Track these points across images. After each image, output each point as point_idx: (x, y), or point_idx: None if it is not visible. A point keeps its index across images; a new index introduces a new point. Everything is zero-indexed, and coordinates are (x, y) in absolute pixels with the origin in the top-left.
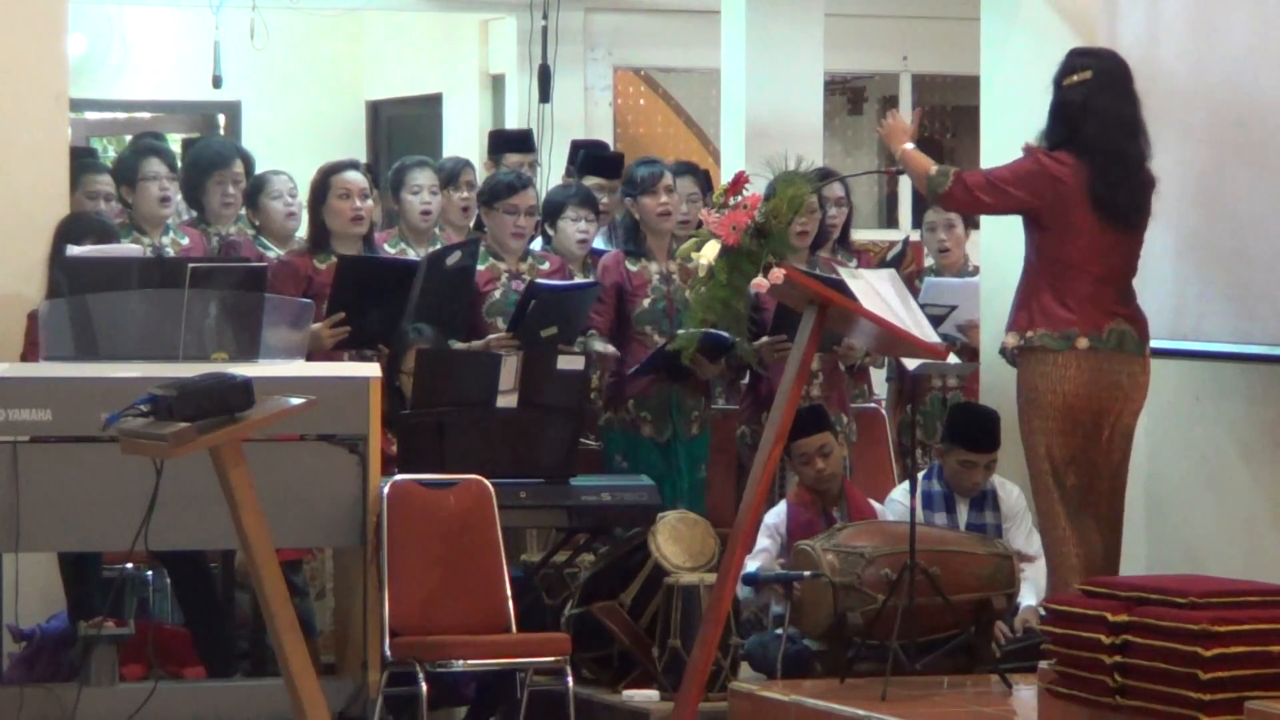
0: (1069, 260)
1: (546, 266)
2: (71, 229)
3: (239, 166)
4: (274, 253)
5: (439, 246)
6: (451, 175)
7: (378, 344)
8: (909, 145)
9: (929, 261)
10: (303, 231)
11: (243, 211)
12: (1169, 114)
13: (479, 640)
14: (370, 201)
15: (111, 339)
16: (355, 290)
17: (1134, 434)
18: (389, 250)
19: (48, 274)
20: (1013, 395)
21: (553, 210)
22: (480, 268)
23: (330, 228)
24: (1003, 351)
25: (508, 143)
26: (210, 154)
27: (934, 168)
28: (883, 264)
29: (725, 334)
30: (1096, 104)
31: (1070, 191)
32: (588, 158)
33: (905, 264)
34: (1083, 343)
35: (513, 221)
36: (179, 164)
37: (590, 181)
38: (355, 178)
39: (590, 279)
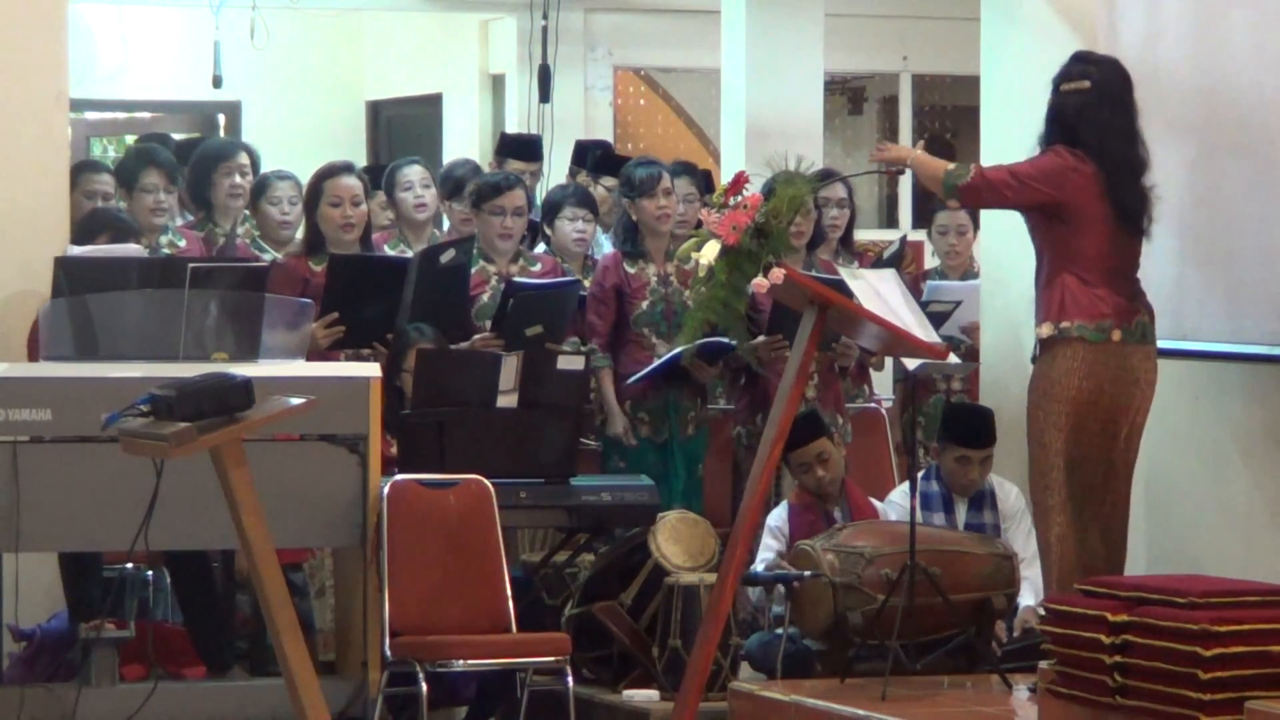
0: (1089, 253)
1: (538, 268)
2: (89, 224)
3: (244, 158)
4: (270, 255)
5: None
6: (457, 187)
7: (373, 343)
8: (917, 152)
9: (933, 263)
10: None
11: (246, 211)
12: (1169, 114)
13: (479, 640)
14: (363, 207)
15: (111, 339)
16: (349, 289)
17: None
18: (388, 250)
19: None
20: (1013, 394)
21: (550, 210)
22: (471, 270)
23: (323, 232)
24: (1038, 341)
25: (512, 149)
26: (215, 147)
27: (950, 164)
28: (878, 263)
29: (725, 340)
30: (1093, 116)
31: (1093, 188)
32: (603, 158)
33: (905, 265)
34: (1116, 335)
35: (499, 223)
36: (180, 171)
37: (607, 182)
38: (349, 184)
39: (575, 278)
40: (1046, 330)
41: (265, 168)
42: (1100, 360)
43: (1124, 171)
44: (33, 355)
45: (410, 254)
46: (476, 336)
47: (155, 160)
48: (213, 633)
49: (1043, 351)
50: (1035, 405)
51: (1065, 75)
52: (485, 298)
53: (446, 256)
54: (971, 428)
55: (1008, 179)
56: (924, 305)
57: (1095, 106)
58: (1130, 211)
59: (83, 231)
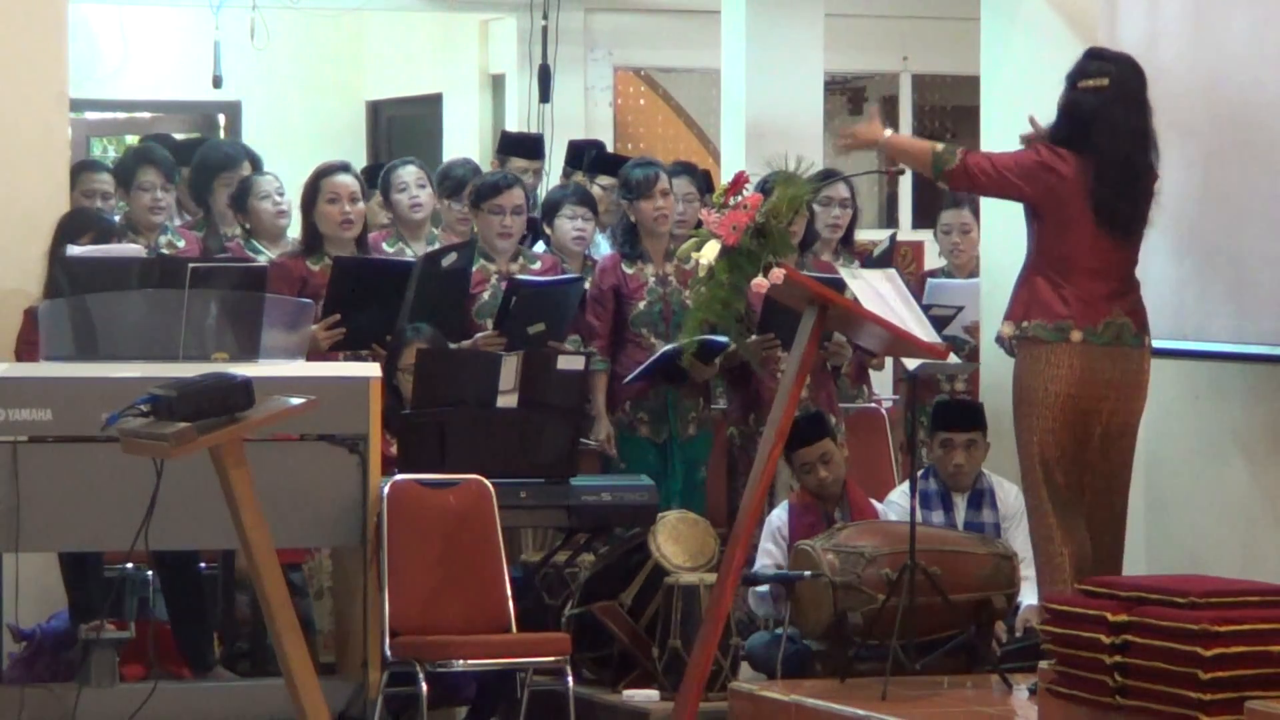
0: (1066, 254)
1: (538, 267)
2: (71, 225)
3: (246, 169)
4: (264, 255)
5: (436, 247)
6: (457, 186)
7: (373, 345)
8: (888, 133)
9: (935, 263)
10: (294, 232)
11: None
12: (1169, 114)
13: (479, 640)
14: (360, 205)
15: (111, 339)
16: (351, 292)
17: (1135, 434)
18: (387, 250)
19: (47, 272)
20: (1011, 393)
21: (550, 209)
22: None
23: (321, 231)
24: (999, 340)
25: (514, 147)
26: (218, 156)
27: (939, 145)
28: (868, 261)
29: (721, 339)
30: (1110, 115)
31: (1068, 188)
32: (599, 157)
33: (905, 265)
34: (1076, 335)
35: (499, 222)
36: (177, 171)
37: (603, 181)
38: (345, 181)
39: (578, 275)
40: (1007, 329)
41: (266, 169)
42: (1065, 361)
43: (1122, 174)
44: (20, 355)
45: (409, 253)
46: (479, 335)
47: (152, 159)
48: (195, 633)
49: (1016, 353)
50: (1014, 407)
51: (1082, 72)
52: (485, 296)
53: (448, 260)
54: (952, 412)
55: (987, 167)
56: (925, 309)
57: (1111, 106)
58: (1115, 216)
59: (65, 232)
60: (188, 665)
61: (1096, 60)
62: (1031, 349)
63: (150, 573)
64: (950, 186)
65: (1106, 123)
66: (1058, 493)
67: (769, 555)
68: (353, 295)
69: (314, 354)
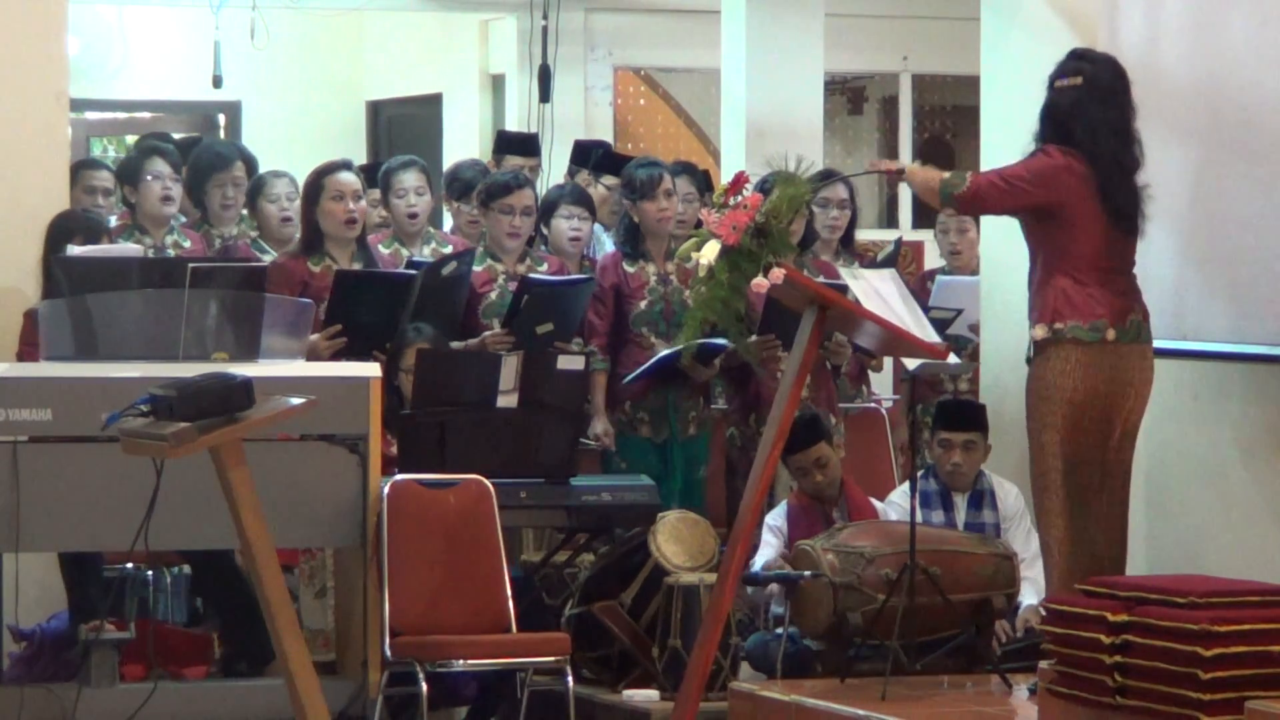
0: (1083, 252)
1: (545, 268)
2: (60, 227)
3: (240, 169)
4: (270, 255)
5: (433, 253)
6: (466, 188)
7: (374, 352)
8: (911, 165)
9: (935, 263)
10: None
11: (244, 212)
12: (1169, 114)
13: (479, 640)
14: (363, 203)
15: (111, 339)
16: (353, 303)
17: (1139, 432)
18: (383, 250)
19: (42, 275)
20: (1013, 394)
21: (547, 209)
22: (478, 269)
23: (323, 230)
24: (1032, 343)
25: (511, 145)
26: (210, 156)
27: (946, 173)
28: (873, 264)
29: (719, 341)
30: (1084, 111)
31: (1086, 187)
32: (604, 157)
33: (905, 265)
34: (1111, 334)
35: (508, 222)
36: (181, 166)
37: (608, 180)
38: (348, 179)
39: (589, 276)
40: (1041, 332)
41: (265, 168)
42: (1095, 361)
43: (1115, 169)
44: (22, 358)
45: (405, 254)
46: (487, 333)
47: (159, 150)
48: (249, 628)
49: (1037, 353)
50: (1032, 407)
51: (1060, 72)
52: (493, 295)
53: (449, 269)
54: (952, 412)
55: (998, 183)
56: (927, 310)
57: (1086, 102)
58: (1122, 210)
59: (55, 236)
60: (248, 662)
61: (1075, 60)
62: (1063, 350)
63: (150, 572)
64: (960, 211)
65: (1083, 120)
66: (1077, 493)
67: (769, 546)
68: (355, 306)
69: (314, 360)
